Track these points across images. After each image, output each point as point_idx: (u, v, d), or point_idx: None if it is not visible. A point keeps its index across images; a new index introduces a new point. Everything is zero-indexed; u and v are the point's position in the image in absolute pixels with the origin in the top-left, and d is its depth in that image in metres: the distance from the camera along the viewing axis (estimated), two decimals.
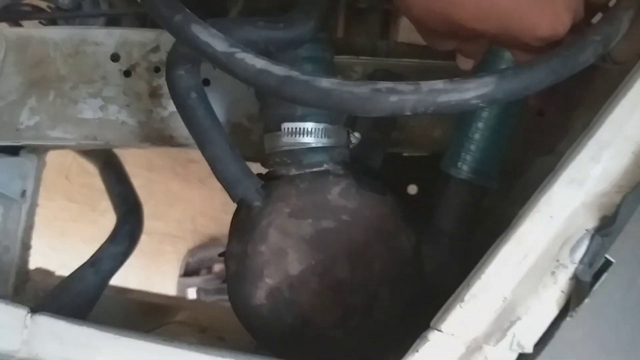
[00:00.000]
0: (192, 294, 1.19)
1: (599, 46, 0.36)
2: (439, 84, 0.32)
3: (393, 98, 0.32)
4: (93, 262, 0.58)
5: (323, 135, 0.47)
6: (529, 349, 0.33)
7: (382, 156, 0.56)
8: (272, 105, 0.48)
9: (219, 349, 0.35)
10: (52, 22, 0.70)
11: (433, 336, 0.34)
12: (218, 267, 1.20)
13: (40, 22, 0.71)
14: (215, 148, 0.46)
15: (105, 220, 1.33)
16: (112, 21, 0.70)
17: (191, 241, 1.26)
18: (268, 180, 0.48)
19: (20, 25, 0.70)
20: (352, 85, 0.32)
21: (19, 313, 0.35)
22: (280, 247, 0.46)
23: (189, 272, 1.22)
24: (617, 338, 0.36)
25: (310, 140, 0.47)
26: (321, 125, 0.47)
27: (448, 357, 0.34)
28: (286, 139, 0.47)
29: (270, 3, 0.47)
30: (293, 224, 0.46)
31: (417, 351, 0.34)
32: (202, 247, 1.24)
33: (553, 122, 0.60)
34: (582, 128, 0.38)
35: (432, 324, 0.35)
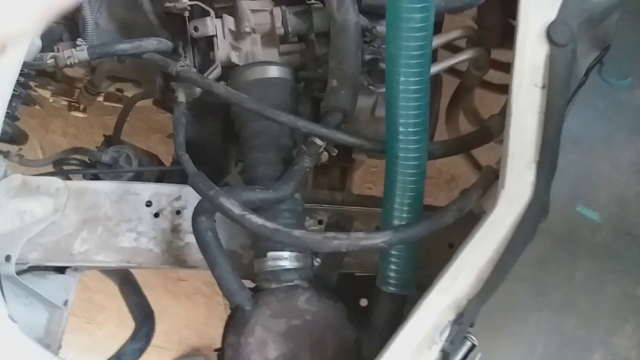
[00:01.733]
0: None
1: (456, 213, 0.62)
2: (361, 235, 0.57)
3: (335, 242, 0.57)
4: (118, 356, 0.77)
5: (295, 260, 0.71)
6: None
7: (336, 276, 0.79)
8: (261, 239, 0.72)
9: None
10: (94, 175, 0.93)
11: None
12: None
13: (83, 177, 0.94)
14: (221, 269, 0.69)
15: (101, 333, 1.49)
16: (139, 175, 0.94)
17: (175, 352, 1.41)
18: (256, 291, 0.71)
19: (70, 179, 0.93)
20: (312, 234, 0.57)
21: None
22: (263, 339, 0.67)
23: None
24: None
25: (286, 263, 0.70)
26: (294, 254, 0.70)
27: None
28: (270, 263, 0.70)
29: (263, 176, 0.73)
30: (272, 322, 0.67)
31: None
32: (184, 356, 1.39)
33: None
34: None
35: None
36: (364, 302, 0.94)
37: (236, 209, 0.59)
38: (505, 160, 0.62)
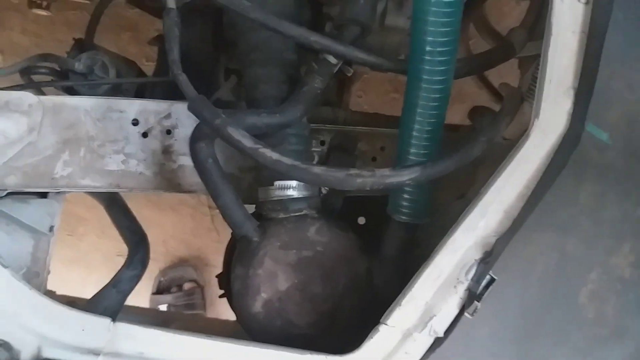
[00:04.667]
0: (163, 309, 1.32)
1: (485, 143, 0.57)
2: (386, 172, 0.52)
3: (359, 180, 0.52)
4: (114, 283, 0.74)
5: (302, 189, 0.66)
6: (440, 334, 0.53)
7: (341, 200, 0.75)
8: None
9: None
10: (68, 88, 0.82)
11: (382, 328, 0.53)
12: (188, 285, 1.35)
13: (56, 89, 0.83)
14: (225, 199, 0.64)
15: (84, 244, 1.45)
16: (116, 86, 0.84)
17: (162, 262, 1.39)
18: (262, 221, 0.66)
19: (42, 91, 0.83)
20: (333, 171, 0.51)
21: (104, 321, 0.51)
22: (272, 270, 0.64)
23: (160, 289, 1.35)
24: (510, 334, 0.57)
25: (294, 193, 0.65)
26: (302, 183, 0.66)
27: (390, 342, 0.53)
28: (277, 192, 0.65)
29: (265, 95, 0.66)
30: (282, 254, 0.64)
31: (372, 338, 0.53)
32: (172, 267, 1.38)
33: (464, 174, 0.82)
34: (484, 181, 0.58)
35: (381, 320, 0.54)
36: (362, 221, 0.92)
37: (247, 142, 0.52)
38: (542, 87, 0.57)
